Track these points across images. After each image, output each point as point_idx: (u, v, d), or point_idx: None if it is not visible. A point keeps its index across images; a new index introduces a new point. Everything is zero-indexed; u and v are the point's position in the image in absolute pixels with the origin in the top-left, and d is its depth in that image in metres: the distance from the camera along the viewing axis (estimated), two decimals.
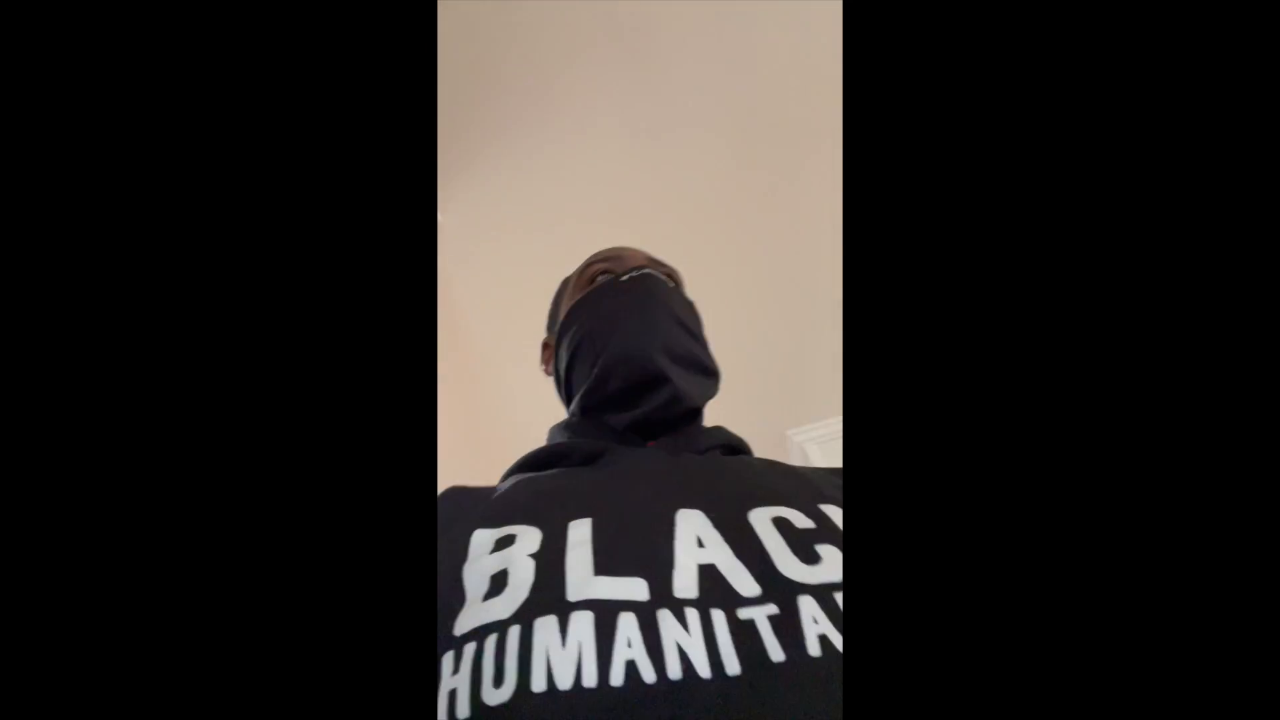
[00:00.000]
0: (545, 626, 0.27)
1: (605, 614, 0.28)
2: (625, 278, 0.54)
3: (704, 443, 0.47)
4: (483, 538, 0.34)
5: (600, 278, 0.57)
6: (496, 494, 0.41)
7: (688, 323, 0.52)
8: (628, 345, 0.48)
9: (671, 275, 0.59)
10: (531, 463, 0.46)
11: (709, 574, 0.30)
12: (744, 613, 0.28)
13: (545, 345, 0.63)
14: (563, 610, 0.28)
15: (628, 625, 0.27)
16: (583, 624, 0.27)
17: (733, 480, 0.39)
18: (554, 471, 0.44)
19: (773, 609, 0.29)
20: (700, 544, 0.32)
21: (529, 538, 0.34)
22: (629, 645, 0.27)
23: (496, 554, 0.33)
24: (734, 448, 0.49)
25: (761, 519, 0.35)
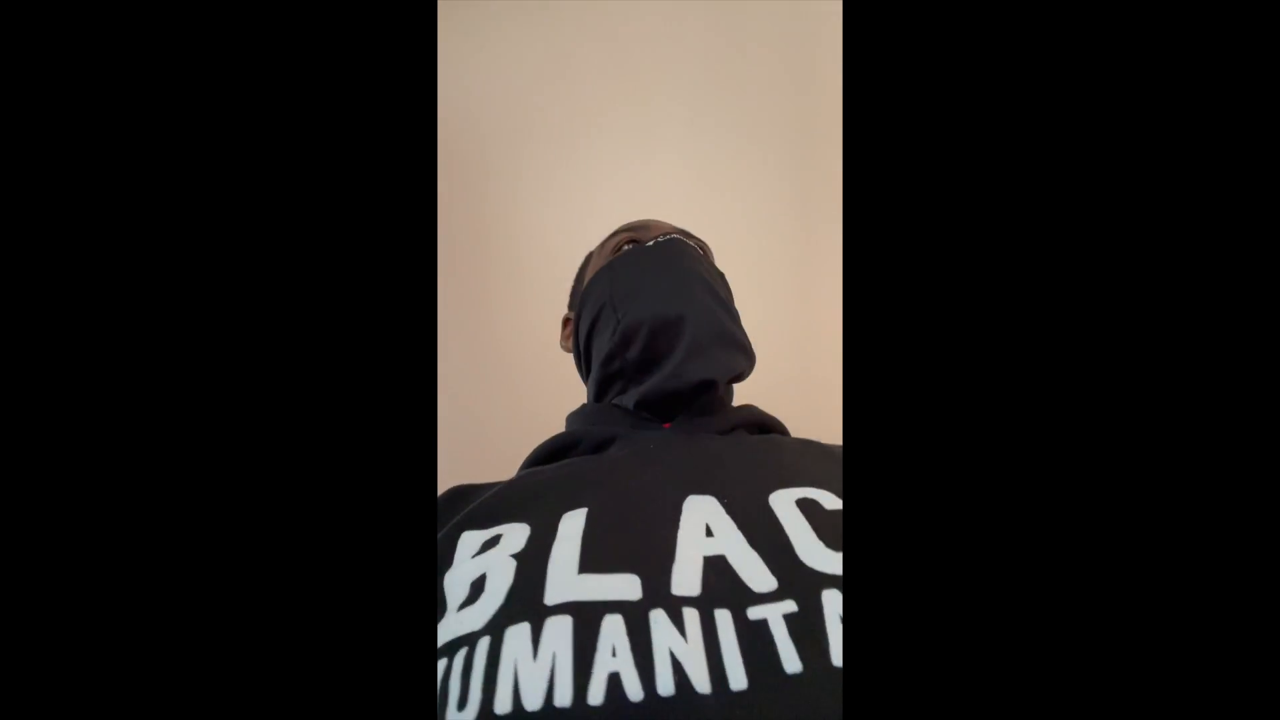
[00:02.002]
0: (516, 636, 0.23)
1: (586, 618, 0.24)
2: (651, 243, 0.49)
3: (727, 422, 0.42)
4: (470, 540, 0.31)
5: (626, 247, 0.52)
6: (492, 491, 0.37)
7: (719, 291, 0.46)
8: (654, 306, 0.43)
9: (701, 245, 0.54)
10: (541, 455, 0.43)
11: (716, 567, 0.26)
12: (755, 612, 0.24)
13: (566, 321, 0.58)
14: (538, 616, 0.24)
15: (613, 630, 0.23)
16: (559, 631, 0.23)
17: (755, 461, 0.34)
18: (561, 463, 0.40)
19: (790, 606, 0.24)
20: (709, 533, 0.28)
21: (515, 535, 0.30)
22: (613, 654, 0.22)
23: (480, 557, 0.29)
24: (763, 425, 0.44)
25: (784, 502, 0.29)
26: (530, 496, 0.34)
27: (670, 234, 0.50)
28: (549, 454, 0.42)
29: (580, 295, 0.51)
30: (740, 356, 0.44)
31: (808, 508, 0.29)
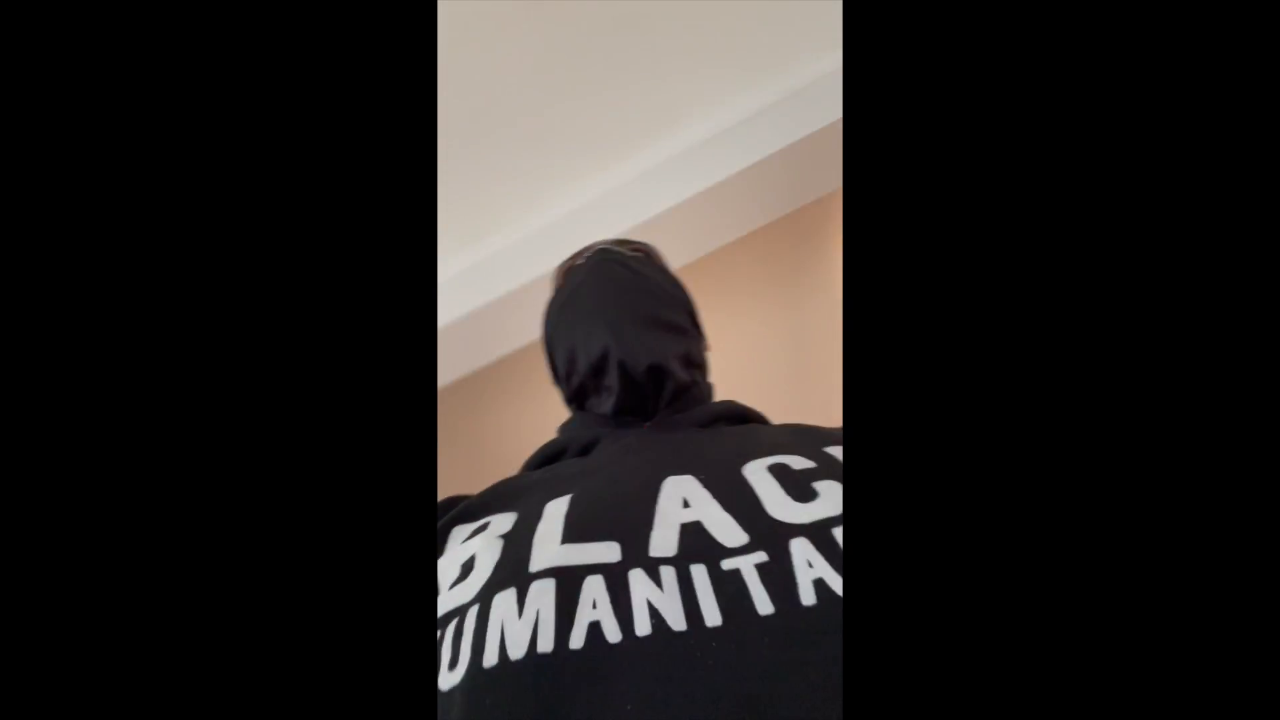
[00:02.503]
0: (503, 601, 0.25)
1: (569, 580, 0.25)
2: (580, 261, 0.51)
3: (707, 415, 0.44)
4: (460, 532, 0.33)
5: (569, 270, 0.54)
6: (480, 492, 0.39)
7: (646, 285, 0.47)
8: (577, 329, 0.45)
9: (640, 249, 0.56)
10: (533, 463, 0.44)
11: (692, 530, 0.27)
12: (728, 563, 0.25)
13: None
14: (523, 582, 0.26)
15: (594, 588, 0.25)
16: (543, 592, 0.25)
17: (733, 444, 0.36)
18: (549, 467, 0.42)
19: (761, 556, 0.25)
20: (685, 504, 0.29)
21: (503, 522, 0.32)
22: (593, 607, 0.24)
23: (469, 541, 0.31)
24: (744, 417, 0.45)
25: (757, 470, 0.31)
26: (518, 491, 0.35)
27: (600, 246, 0.52)
28: (540, 461, 0.44)
29: (543, 331, 0.54)
30: (667, 336, 0.45)
31: (778, 471, 0.31)
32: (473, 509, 0.35)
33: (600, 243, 0.57)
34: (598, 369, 0.44)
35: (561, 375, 0.48)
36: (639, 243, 0.58)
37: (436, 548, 0.33)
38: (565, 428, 0.48)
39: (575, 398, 0.47)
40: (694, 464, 0.33)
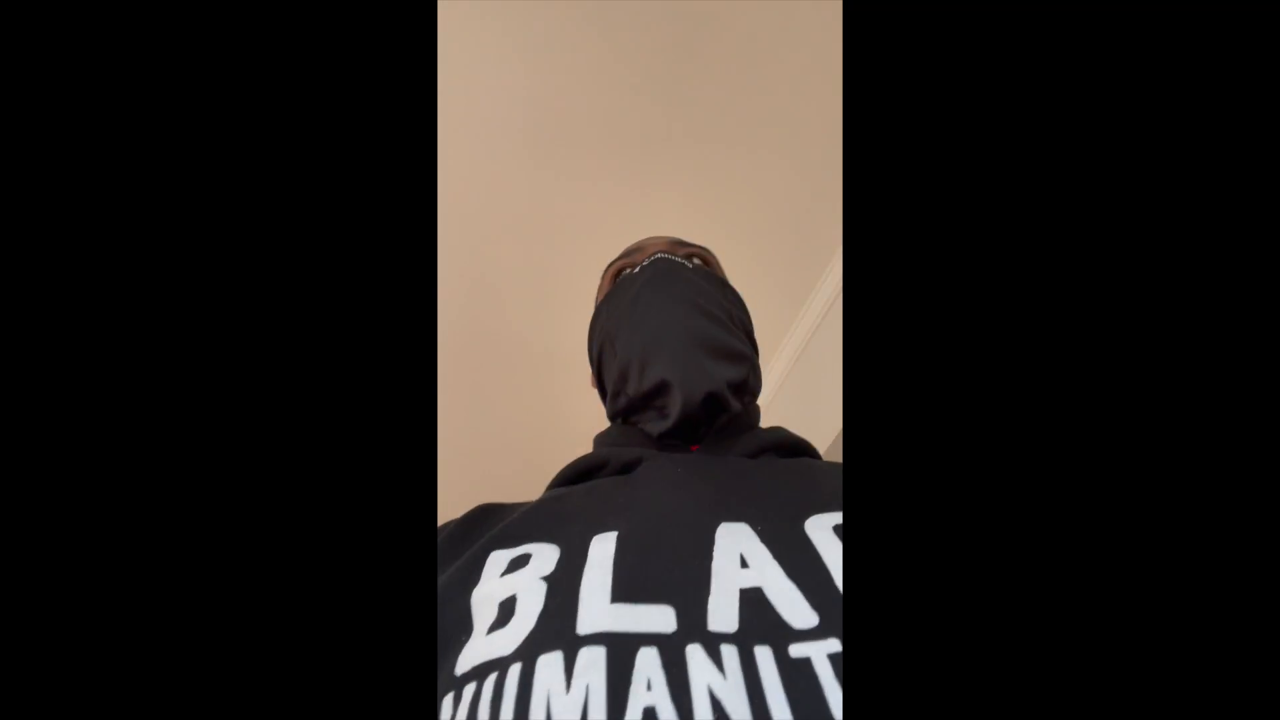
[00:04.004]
0: (549, 665, 0.23)
1: (621, 650, 0.23)
2: (638, 269, 0.49)
3: (756, 444, 0.41)
4: (498, 559, 0.31)
5: (623, 274, 0.51)
6: (519, 511, 0.36)
7: (707, 304, 0.45)
8: (633, 349, 0.43)
9: (697, 255, 0.53)
10: (568, 476, 0.42)
11: (753, 600, 0.25)
12: (797, 649, 0.23)
13: None
14: (571, 645, 0.24)
15: (648, 663, 0.22)
16: (593, 663, 0.23)
17: (788, 485, 0.33)
18: (589, 483, 0.39)
19: (834, 645, 0.23)
20: (744, 563, 0.27)
21: (545, 557, 0.29)
22: (648, 688, 0.22)
23: (508, 576, 0.29)
24: (795, 448, 0.43)
25: (820, 528, 0.28)
26: (559, 517, 0.33)
27: (658, 254, 0.50)
28: (577, 475, 0.42)
29: (589, 333, 0.52)
30: (727, 364, 0.43)
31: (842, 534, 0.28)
32: (512, 532, 0.33)
33: (656, 242, 0.53)
34: (651, 394, 0.41)
35: (609, 390, 0.46)
36: (698, 247, 0.54)
37: (465, 565, 0.32)
38: (604, 439, 0.46)
39: (621, 414, 0.45)
40: (749, 509, 0.30)
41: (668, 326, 0.42)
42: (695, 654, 0.23)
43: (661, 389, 0.41)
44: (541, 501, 0.37)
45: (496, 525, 0.35)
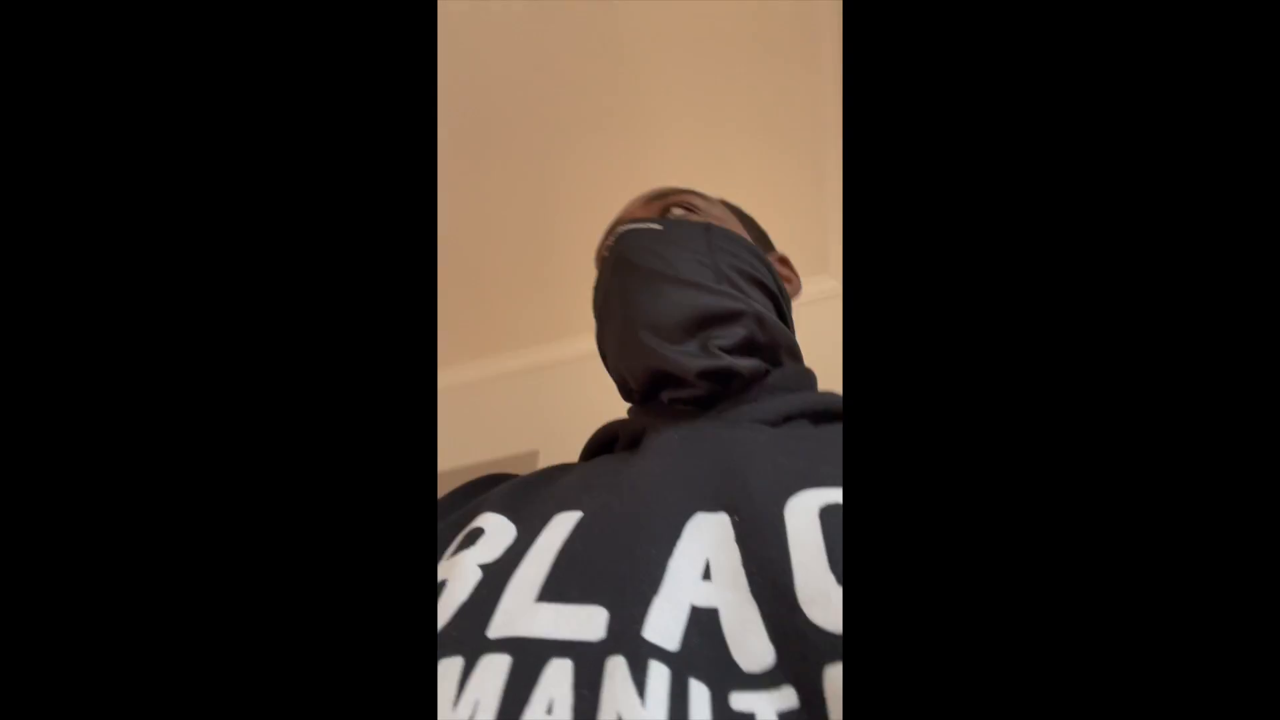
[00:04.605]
0: (446, 672, 0.20)
1: (528, 660, 0.20)
2: (606, 253, 0.44)
3: (780, 410, 0.35)
4: (461, 532, 0.28)
5: (603, 260, 0.47)
6: (513, 480, 0.33)
7: (679, 269, 0.39)
8: (615, 349, 0.40)
9: (677, 201, 0.46)
10: (586, 451, 0.40)
11: (704, 624, 0.21)
12: (741, 700, 0.18)
13: None
14: (474, 651, 0.20)
15: (556, 679, 0.19)
16: (491, 674, 0.19)
17: (794, 457, 0.28)
18: (597, 459, 0.36)
19: (789, 699, 0.18)
20: (706, 573, 0.22)
21: (497, 537, 0.26)
22: (548, 711, 0.18)
23: (455, 556, 0.26)
24: (827, 413, 0.36)
25: (802, 510, 0.23)
26: (542, 492, 0.31)
27: (622, 229, 0.43)
28: (591, 449, 0.40)
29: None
30: (718, 331, 0.37)
31: (830, 518, 0.23)
32: (486, 502, 0.30)
33: (629, 209, 0.48)
34: (650, 385, 0.39)
35: (620, 387, 0.44)
36: (678, 193, 0.47)
37: (451, 529, 0.30)
38: (630, 410, 0.43)
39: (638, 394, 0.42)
40: (736, 493, 0.25)
41: (633, 321, 0.38)
42: (616, 670, 0.19)
43: (654, 379, 0.39)
44: (537, 472, 0.35)
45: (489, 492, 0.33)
